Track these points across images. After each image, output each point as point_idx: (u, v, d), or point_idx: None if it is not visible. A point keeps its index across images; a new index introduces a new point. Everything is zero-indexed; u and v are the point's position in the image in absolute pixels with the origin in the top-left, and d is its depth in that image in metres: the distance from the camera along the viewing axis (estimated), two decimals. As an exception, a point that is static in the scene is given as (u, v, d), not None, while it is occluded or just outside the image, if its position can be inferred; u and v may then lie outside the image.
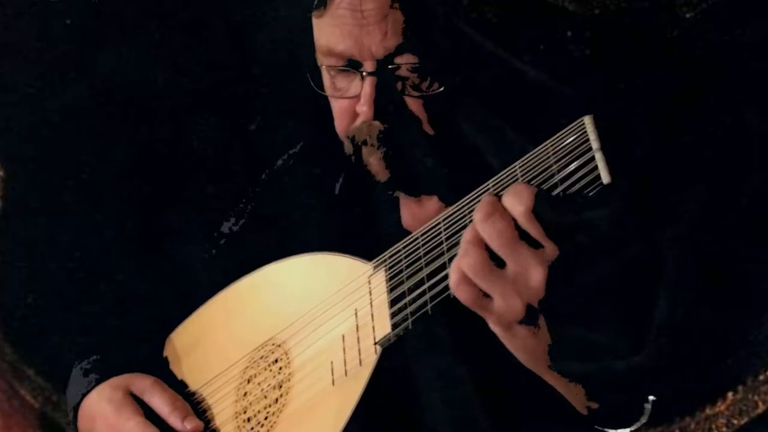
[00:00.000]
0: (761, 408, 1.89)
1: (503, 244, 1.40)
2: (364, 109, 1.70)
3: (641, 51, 1.91)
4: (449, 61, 1.75)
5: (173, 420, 1.75)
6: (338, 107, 1.76)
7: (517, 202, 1.41)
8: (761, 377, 1.89)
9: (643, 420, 1.63)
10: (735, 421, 1.90)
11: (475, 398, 1.65)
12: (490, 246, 1.41)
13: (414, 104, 1.71)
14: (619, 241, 1.64)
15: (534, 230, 1.40)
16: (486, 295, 1.42)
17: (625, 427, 1.62)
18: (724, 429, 1.90)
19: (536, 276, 1.40)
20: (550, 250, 1.41)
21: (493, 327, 1.46)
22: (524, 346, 1.48)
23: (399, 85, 1.70)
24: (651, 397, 1.62)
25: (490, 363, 1.58)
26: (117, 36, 2.17)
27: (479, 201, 1.45)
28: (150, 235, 2.16)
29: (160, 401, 1.77)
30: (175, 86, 2.17)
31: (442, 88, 1.71)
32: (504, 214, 1.40)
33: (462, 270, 1.42)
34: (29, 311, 2.20)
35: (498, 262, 1.42)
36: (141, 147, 2.19)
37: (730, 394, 1.89)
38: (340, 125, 1.76)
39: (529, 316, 1.43)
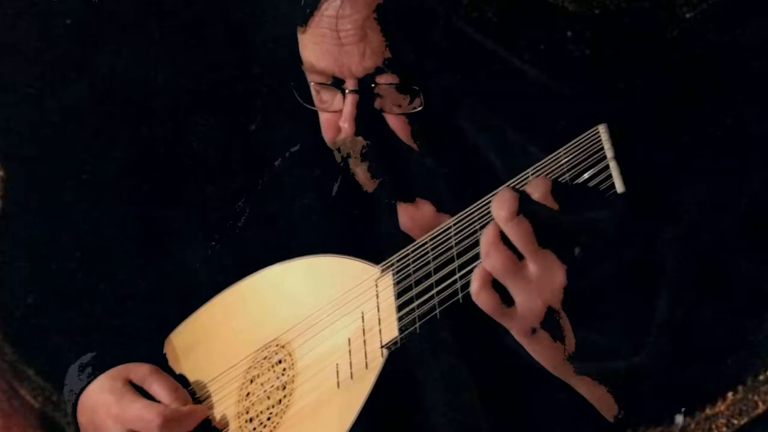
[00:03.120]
0: (761, 408, 1.89)
1: (529, 243, 1.40)
2: (345, 126, 1.71)
3: (641, 51, 1.91)
4: (446, 63, 1.76)
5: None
6: (324, 119, 1.78)
7: (535, 189, 1.41)
8: (761, 377, 1.89)
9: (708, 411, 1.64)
10: (735, 421, 1.89)
11: (478, 402, 1.66)
12: (516, 245, 1.40)
13: (396, 120, 1.73)
14: (620, 241, 1.64)
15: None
16: (505, 303, 1.42)
17: (687, 415, 1.63)
18: (724, 429, 1.89)
19: (559, 277, 1.40)
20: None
21: (517, 336, 1.46)
22: (549, 355, 1.48)
23: (379, 103, 1.71)
24: (680, 417, 1.63)
25: (494, 367, 1.59)
26: (117, 36, 2.16)
27: (489, 208, 1.45)
28: (150, 234, 2.15)
29: (160, 389, 1.78)
30: (175, 86, 2.17)
31: (422, 107, 1.71)
32: (526, 219, 1.40)
33: (483, 275, 1.42)
34: (29, 311, 2.19)
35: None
36: (141, 147, 2.19)
37: (730, 394, 1.89)
38: (326, 136, 1.78)
39: (550, 319, 1.43)
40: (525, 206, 1.40)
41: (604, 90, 1.91)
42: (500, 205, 1.41)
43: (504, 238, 1.41)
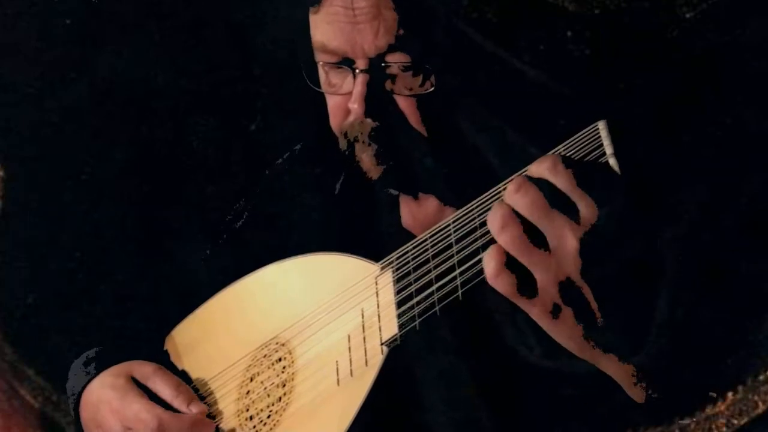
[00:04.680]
0: (761, 408, 1.88)
1: (539, 212, 1.37)
2: (354, 106, 1.71)
3: (641, 51, 1.91)
4: (447, 60, 1.76)
5: (178, 404, 1.75)
6: (332, 103, 1.78)
7: (542, 163, 1.39)
8: (761, 377, 1.88)
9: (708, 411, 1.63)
10: (735, 421, 1.89)
11: (478, 399, 1.65)
12: (526, 216, 1.37)
13: (406, 103, 1.72)
14: (619, 241, 1.64)
15: (566, 182, 1.38)
16: (524, 284, 1.39)
17: (687, 416, 1.62)
18: (724, 429, 1.89)
19: (572, 241, 1.37)
20: (587, 207, 1.39)
21: (539, 318, 1.42)
22: (575, 334, 1.44)
23: (390, 84, 1.71)
24: (712, 393, 1.62)
25: (494, 365, 1.58)
26: (117, 36, 2.16)
27: (490, 204, 1.45)
28: (150, 235, 2.15)
29: (163, 386, 1.77)
30: (175, 86, 2.17)
31: (433, 88, 1.71)
32: (535, 185, 1.38)
33: (500, 255, 1.38)
34: (29, 311, 2.19)
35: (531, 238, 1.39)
36: (141, 147, 2.19)
37: (730, 394, 1.89)
38: (333, 121, 1.78)
39: (573, 292, 1.40)
40: (534, 179, 1.39)
41: (604, 90, 1.91)
42: (511, 184, 1.39)
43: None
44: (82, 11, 2.15)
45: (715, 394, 1.65)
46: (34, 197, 2.22)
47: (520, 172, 1.45)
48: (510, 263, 1.39)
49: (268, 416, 1.69)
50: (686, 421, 1.90)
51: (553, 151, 1.45)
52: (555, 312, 1.41)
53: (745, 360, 1.89)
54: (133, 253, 2.15)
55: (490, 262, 1.38)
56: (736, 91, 1.85)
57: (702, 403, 1.90)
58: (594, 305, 1.43)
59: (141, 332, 1.93)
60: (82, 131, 2.19)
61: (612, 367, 1.53)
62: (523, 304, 1.41)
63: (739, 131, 1.84)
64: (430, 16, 1.75)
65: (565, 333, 1.44)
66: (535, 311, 1.41)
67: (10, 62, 2.18)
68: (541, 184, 1.39)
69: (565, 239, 1.38)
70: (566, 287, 1.40)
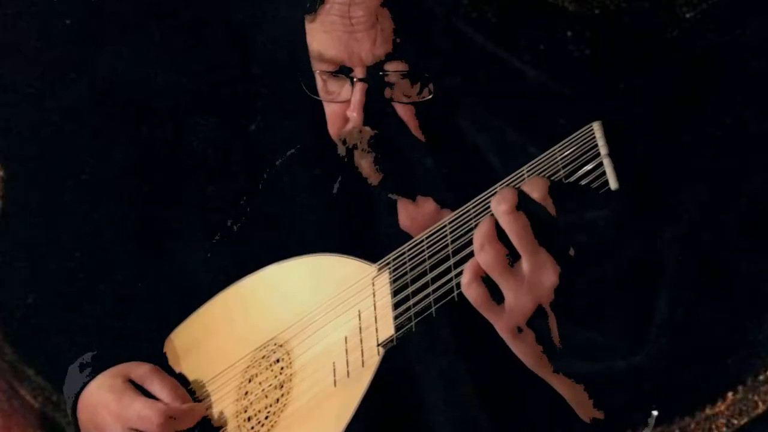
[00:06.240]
0: (761, 408, 1.89)
1: (526, 240, 1.39)
2: (353, 115, 1.70)
3: (641, 51, 1.92)
4: (446, 63, 1.75)
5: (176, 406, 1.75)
6: (330, 111, 1.76)
7: (534, 189, 1.40)
8: (761, 377, 1.89)
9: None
10: (735, 421, 1.90)
11: (476, 399, 1.65)
12: (512, 240, 1.39)
13: (404, 110, 1.72)
14: (619, 241, 1.64)
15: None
16: (495, 298, 1.42)
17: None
18: (724, 429, 1.90)
19: (551, 276, 1.39)
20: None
21: (501, 332, 1.44)
22: (532, 353, 1.46)
23: (388, 92, 1.70)
24: (654, 412, 1.62)
25: (492, 364, 1.58)
26: (117, 36, 2.17)
27: (485, 205, 1.45)
28: (150, 235, 2.16)
29: (160, 387, 1.77)
30: (175, 86, 2.17)
31: (431, 95, 1.71)
32: (524, 215, 1.39)
33: (475, 268, 1.41)
34: (29, 311, 2.20)
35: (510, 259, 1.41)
36: (141, 147, 2.20)
37: (730, 394, 1.89)
38: (332, 128, 1.77)
39: (538, 319, 1.42)
40: (524, 204, 1.39)
41: (604, 90, 1.91)
42: (501, 199, 1.40)
43: (499, 235, 1.41)
44: (82, 11, 2.15)
45: (656, 411, 1.66)
46: (34, 197, 2.23)
47: (512, 176, 1.46)
48: (486, 276, 1.42)
49: (266, 417, 1.69)
50: (686, 421, 1.90)
51: (548, 152, 1.44)
52: (518, 331, 1.44)
53: (745, 360, 1.89)
54: (133, 253, 2.16)
55: (466, 273, 1.42)
56: (736, 91, 1.85)
57: (702, 403, 1.91)
58: (555, 333, 1.45)
59: (141, 332, 1.93)
60: (82, 131, 2.20)
61: (562, 386, 1.54)
62: (489, 316, 1.44)
63: (739, 131, 1.84)
64: (428, 21, 1.74)
65: (523, 350, 1.47)
66: (500, 325, 1.44)
67: (10, 62, 2.19)
68: (536, 208, 1.40)
69: (546, 272, 1.40)
70: (533, 313, 1.42)
